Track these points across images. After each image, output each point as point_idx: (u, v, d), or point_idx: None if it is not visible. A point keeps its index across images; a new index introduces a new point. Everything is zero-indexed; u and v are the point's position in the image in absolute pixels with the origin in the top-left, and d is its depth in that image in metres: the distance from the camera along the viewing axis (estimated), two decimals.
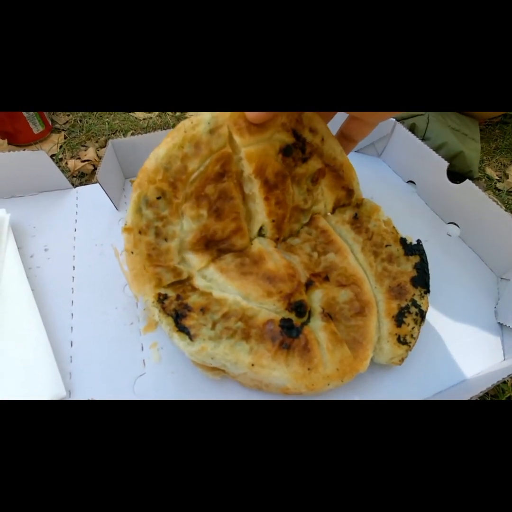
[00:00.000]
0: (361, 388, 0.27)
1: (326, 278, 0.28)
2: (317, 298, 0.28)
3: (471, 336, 0.32)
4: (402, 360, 0.27)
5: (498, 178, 0.50)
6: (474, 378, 0.29)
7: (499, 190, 0.49)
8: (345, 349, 0.25)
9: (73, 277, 0.32)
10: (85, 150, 0.47)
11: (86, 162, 0.45)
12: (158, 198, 0.25)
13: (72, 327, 0.29)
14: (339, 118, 0.32)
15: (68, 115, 0.53)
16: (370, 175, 0.45)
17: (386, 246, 0.30)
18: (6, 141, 0.45)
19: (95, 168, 0.45)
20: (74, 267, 0.33)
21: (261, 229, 0.29)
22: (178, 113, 0.56)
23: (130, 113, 0.55)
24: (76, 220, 0.36)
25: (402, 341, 0.26)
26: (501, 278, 0.36)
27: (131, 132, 0.51)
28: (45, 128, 0.48)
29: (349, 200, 0.33)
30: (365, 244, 0.31)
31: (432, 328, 0.32)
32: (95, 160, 0.46)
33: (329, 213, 0.33)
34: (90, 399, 0.25)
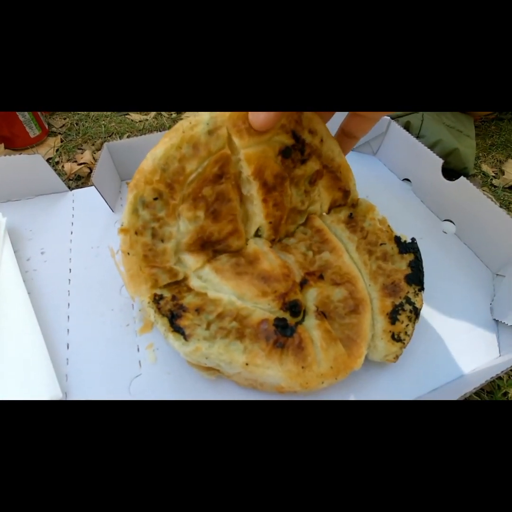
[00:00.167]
0: (356, 386, 0.28)
1: (321, 277, 0.29)
2: (311, 297, 0.28)
3: (467, 332, 0.32)
4: (397, 357, 0.27)
5: (494, 175, 0.50)
6: (470, 375, 0.29)
7: (495, 186, 0.49)
8: (339, 347, 0.25)
9: (69, 280, 0.32)
10: (82, 153, 0.48)
11: (83, 165, 0.45)
12: (155, 199, 0.25)
13: (68, 329, 0.29)
14: (339, 116, 0.32)
15: (65, 119, 0.53)
16: (366, 174, 0.44)
17: (381, 244, 0.31)
18: (2, 145, 0.46)
19: (92, 171, 0.45)
20: (70, 269, 0.33)
21: (258, 230, 0.29)
22: (174, 115, 0.56)
23: (126, 116, 0.55)
24: (72, 223, 0.37)
25: (396, 338, 0.27)
26: (497, 275, 0.36)
27: (127, 134, 0.51)
28: (41, 132, 0.48)
29: (345, 200, 0.33)
30: (360, 242, 0.31)
31: (428, 325, 0.32)
32: (92, 163, 0.46)
33: (324, 213, 0.33)
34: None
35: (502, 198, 0.47)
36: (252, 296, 0.26)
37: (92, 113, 0.54)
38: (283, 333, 0.24)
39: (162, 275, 0.26)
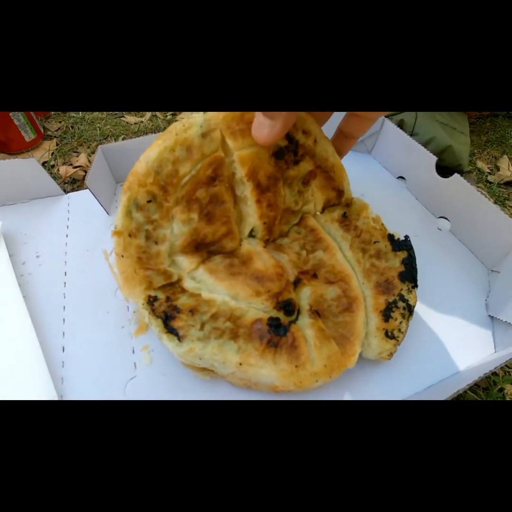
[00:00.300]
0: (351, 384, 0.28)
1: (315, 276, 0.29)
2: (305, 296, 0.28)
3: (462, 329, 0.32)
4: (391, 354, 0.27)
5: (489, 171, 0.50)
6: (465, 371, 0.29)
7: (490, 182, 0.49)
8: (332, 346, 0.25)
9: (64, 283, 0.32)
10: (77, 156, 0.48)
11: (78, 168, 0.45)
12: (149, 201, 0.25)
13: (64, 333, 0.29)
14: (337, 117, 0.31)
15: (60, 122, 0.53)
16: (360, 172, 0.45)
17: (375, 242, 0.31)
18: None
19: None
20: (65, 272, 0.33)
21: (252, 230, 0.29)
22: (169, 116, 0.57)
23: (121, 118, 0.55)
24: (67, 226, 0.37)
25: (389, 335, 0.27)
26: (492, 271, 0.36)
27: (123, 136, 0.52)
28: (37, 136, 0.48)
29: (339, 200, 0.33)
30: (354, 241, 0.31)
31: (423, 321, 0.32)
32: (87, 166, 0.46)
33: (318, 213, 0.33)
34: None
35: (497, 194, 0.47)
36: (246, 296, 0.26)
37: (87, 116, 0.55)
38: (277, 332, 0.24)
39: (156, 277, 0.26)
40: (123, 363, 0.28)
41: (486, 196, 0.35)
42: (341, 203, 0.34)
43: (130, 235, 0.25)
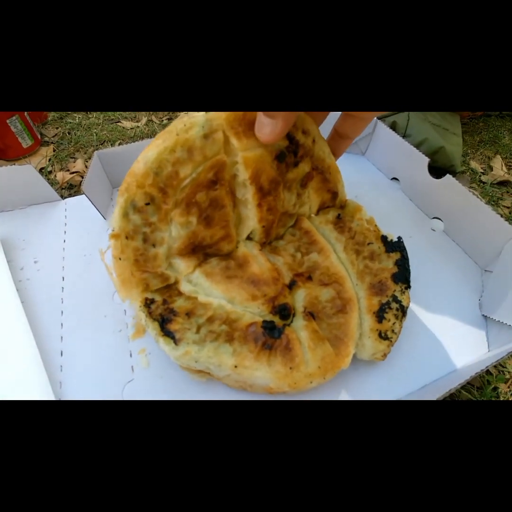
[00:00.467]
0: (346, 385, 0.28)
1: (309, 278, 0.29)
2: (300, 298, 0.28)
3: (456, 329, 0.32)
4: (385, 355, 0.27)
5: (482, 171, 0.51)
6: (459, 371, 0.29)
7: (483, 182, 0.49)
8: (326, 347, 0.25)
9: (62, 288, 0.33)
10: (74, 162, 0.48)
11: (75, 174, 0.46)
12: (147, 204, 0.25)
13: (62, 337, 0.30)
14: (331, 118, 0.32)
15: (57, 128, 0.54)
16: (354, 174, 0.45)
17: (368, 244, 0.31)
18: None
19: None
20: (63, 277, 0.33)
21: (250, 233, 0.30)
22: (164, 121, 0.57)
23: (117, 123, 0.55)
24: (65, 231, 0.37)
25: (383, 336, 0.27)
26: (485, 271, 0.36)
27: (119, 141, 0.52)
28: (34, 142, 0.48)
29: (333, 202, 0.34)
30: (348, 243, 0.31)
31: (417, 321, 0.32)
32: (84, 171, 0.46)
33: (313, 215, 0.33)
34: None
35: (490, 194, 0.48)
36: (242, 300, 0.26)
37: (83, 122, 0.55)
38: (271, 334, 0.25)
39: (153, 280, 0.26)
40: (120, 366, 0.28)
41: (478, 197, 0.35)
42: (335, 205, 0.34)
43: (127, 237, 0.25)
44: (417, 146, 0.42)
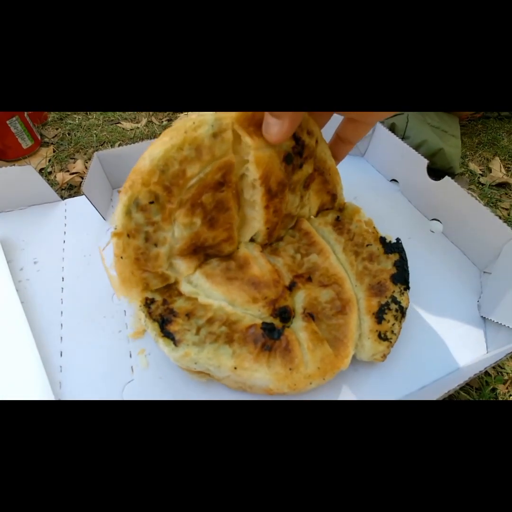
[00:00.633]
0: (345, 385, 0.28)
1: (309, 279, 0.29)
2: (299, 299, 0.28)
3: (455, 330, 0.32)
4: (385, 356, 0.27)
5: (481, 173, 0.51)
6: (458, 372, 0.30)
7: (482, 184, 0.49)
8: (326, 348, 0.26)
9: (62, 288, 0.33)
10: (74, 163, 0.48)
11: (75, 175, 0.46)
12: (151, 202, 0.24)
13: (61, 337, 0.30)
14: (333, 122, 0.32)
15: (57, 129, 0.54)
16: (354, 175, 0.45)
17: (367, 245, 0.31)
18: None
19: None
20: (63, 278, 0.33)
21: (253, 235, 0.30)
22: (164, 122, 0.57)
23: (117, 124, 0.56)
24: (64, 232, 0.37)
25: (382, 337, 0.27)
26: (484, 272, 0.37)
27: (119, 143, 0.52)
28: (34, 143, 0.49)
29: (332, 204, 0.34)
30: (347, 244, 0.32)
31: (416, 323, 0.32)
32: (84, 172, 0.47)
33: (312, 216, 0.34)
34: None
35: (489, 195, 0.48)
36: (243, 302, 0.26)
37: (83, 123, 0.55)
38: (271, 336, 0.25)
39: (153, 279, 0.26)
40: (120, 367, 0.28)
41: (477, 198, 0.35)
42: (334, 208, 0.34)
43: (128, 236, 0.24)
44: (416, 148, 0.43)
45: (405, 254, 0.31)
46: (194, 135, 0.23)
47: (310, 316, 0.27)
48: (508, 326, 0.30)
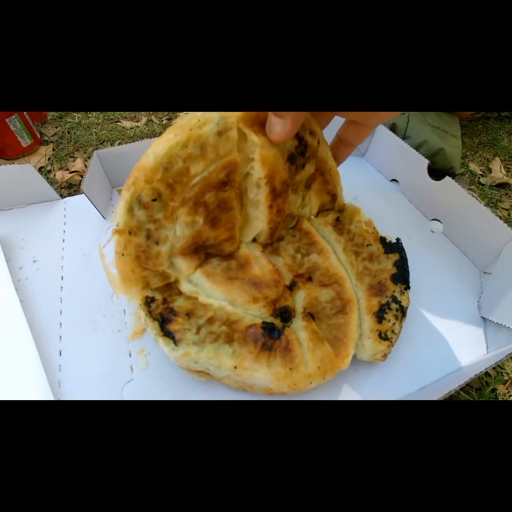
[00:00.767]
0: (345, 385, 0.28)
1: (309, 279, 0.29)
2: (300, 299, 0.28)
3: (455, 330, 0.32)
4: (385, 356, 0.27)
5: (481, 173, 0.51)
6: (458, 372, 0.30)
7: (482, 184, 0.49)
8: (326, 348, 0.25)
9: (61, 287, 0.33)
10: (73, 161, 0.48)
11: (74, 173, 0.46)
12: (154, 200, 0.24)
13: (60, 337, 0.29)
14: (335, 124, 0.32)
15: (56, 127, 0.54)
16: (355, 175, 0.45)
17: (367, 245, 0.31)
18: None
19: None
20: (62, 277, 0.33)
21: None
22: (164, 121, 0.57)
23: (117, 123, 0.55)
24: (64, 231, 0.37)
25: (383, 337, 0.27)
26: (484, 272, 0.36)
27: (119, 141, 0.52)
28: (33, 141, 0.48)
29: (332, 205, 0.34)
30: (347, 244, 0.31)
31: (416, 323, 0.32)
32: (83, 170, 0.46)
33: (312, 216, 0.33)
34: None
35: (489, 196, 0.48)
36: (243, 302, 0.26)
37: (83, 121, 0.55)
38: (271, 335, 0.25)
39: (153, 278, 0.26)
40: (119, 366, 0.28)
41: (477, 199, 0.35)
42: (334, 208, 0.34)
43: (130, 233, 0.24)
44: (417, 148, 0.43)
45: (405, 253, 0.31)
46: (199, 132, 0.23)
47: (310, 315, 0.27)
48: (508, 327, 0.30)
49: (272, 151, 0.25)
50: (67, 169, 0.47)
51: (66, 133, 0.53)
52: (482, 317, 0.33)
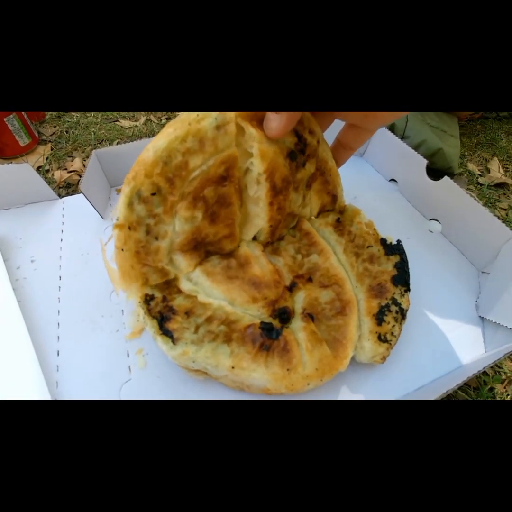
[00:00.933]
0: (343, 387, 0.28)
1: (309, 279, 0.29)
2: (299, 299, 0.28)
3: (453, 330, 0.32)
4: (384, 358, 0.27)
5: (479, 173, 0.51)
6: (456, 371, 0.30)
7: (481, 184, 0.49)
8: (324, 349, 0.25)
9: (59, 287, 0.32)
10: (72, 161, 0.48)
11: (72, 173, 0.46)
12: (153, 194, 0.24)
13: (58, 337, 0.29)
14: (335, 128, 0.32)
15: (55, 127, 0.53)
16: (353, 175, 0.45)
17: (368, 247, 0.31)
18: None
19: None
20: (60, 277, 0.33)
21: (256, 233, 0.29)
22: (163, 121, 0.57)
23: (115, 122, 0.55)
24: (62, 231, 0.37)
25: (382, 339, 0.27)
26: (482, 272, 0.37)
27: (117, 141, 0.52)
28: (31, 141, 0.48)
29: (333, 205, 0.34)
30: (347, 245, 0.31)
31: (414, 322, 0.32)
32: (82, 170, 0.46)
33: (313, 217, 0.33)
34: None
35: (487, 196, 0.48)
36: (242, 302, 0.26)
37: (81, 121, 0.55)
38: (269, 336, 0.25)
39: (152, 274, 0.26)
40: (117, 366, 0.28)
41: (475, 199, 0.35)
42: (335, 210, 0.34)
43: (130, 228, 0.24)
44: (415, 147, 0.43)
45: (406, 256, 0.30)
46: (197, 127, 0.23)
47: (310, 316, 0.27)
48: (506, 326, 0.30)
49: (272, 147, 0.25)
50: (65, 169, 0.47)
51: (65, 133, 0.53)
52: (480, 316, 0.33)
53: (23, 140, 0.47)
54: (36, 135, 0.50)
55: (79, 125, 0.54)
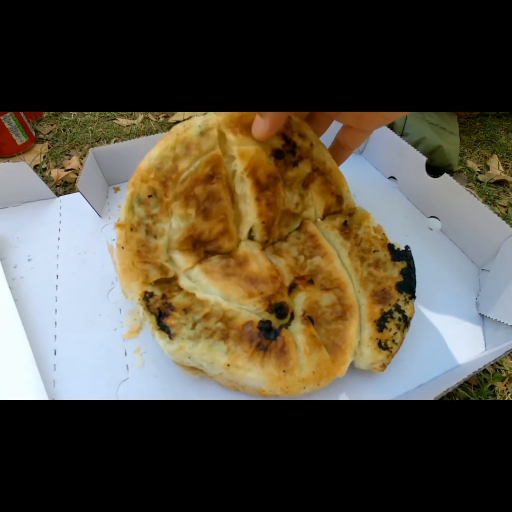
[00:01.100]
0: (342, 384, 0.28)
1: (311, 281, 0.28)
2: (300, 301, 0.28)
3: (453, 328, 0.32)
4: (384, 366, 0.26)
5: (479, 170, 0.51)
6: (456, 369, 0.29)
7: (480, 182, 0.49)
8: (323, 353, 0.25)
9: (56, 286, 0.32)
10: (69, 159, 0.48)
11: (70, 171, 0.45)
12: (150, 196, 0.27)
13: (55, 336, 0.29)
14: (333, 129, 0.32)
15: (52, 125, 0.53)
16: (352, 173, 0.44)
17: (374, 251, 0.30)
18: None
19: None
20: (57, 276, 0.33)
21: (250, 231, 0.29)
22: (161, 119, 0.57)
23: (113, 120, 0.55)
24: (59, 229, 0.37)
25: (383, 346, 0.26)
26: (482, 269, 0.36)
27: (115, 139, 0.52)
28: (28, 139, 0.48)
29: (339, 207, 0.33)
30: (353, 249, 0.31)
31: (414, 320, 0.32)
32: (79, 168, 0.46)
33: (319, 219, 0.33)
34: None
35: (487, 193, 0.48)
36: (238, 297, 0.26)
37: (79, 119, 0.54)
38: (267, 335, 0.24)
39: (152, 271, 0.26)
40: (115, 365, 0.28)
41: (475, 196, 0.35)
42: (342, 211, 0.33)
43: (131, 229, 0.27)
44: (415, 145, 0.42)
45: (413, 262, 0.30)
46: (184, 135, 0.27)
47: (310, 319, 0.26)
48: (507, 324, 0.29)
49: (253, 147, 0.27)
50: (63, 167, 0.46)
51: (62, 131, 0.52)
52: (480, 314, 0.33)
53: (20, 139, 0.47)
54: (33, 133, 0.49)
55: (77, 123, 0.54)
